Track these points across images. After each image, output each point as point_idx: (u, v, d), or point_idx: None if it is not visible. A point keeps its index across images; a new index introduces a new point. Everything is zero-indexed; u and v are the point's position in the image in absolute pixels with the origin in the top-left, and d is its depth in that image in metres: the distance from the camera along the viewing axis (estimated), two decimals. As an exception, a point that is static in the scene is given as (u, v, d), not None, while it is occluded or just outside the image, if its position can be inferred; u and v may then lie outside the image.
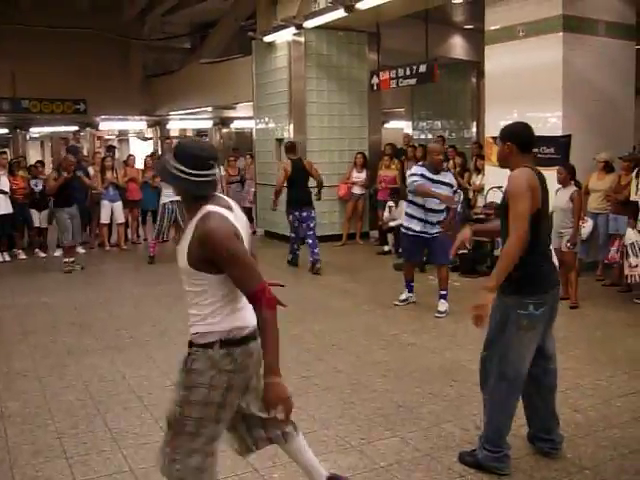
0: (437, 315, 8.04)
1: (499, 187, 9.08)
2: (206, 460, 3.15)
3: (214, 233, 2.92)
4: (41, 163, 14.10)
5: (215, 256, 2.94)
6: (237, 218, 3.11)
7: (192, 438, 3.11)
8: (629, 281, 8.29)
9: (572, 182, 8.22)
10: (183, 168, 3.00)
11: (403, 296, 8.58)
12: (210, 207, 3.01)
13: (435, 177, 8.06)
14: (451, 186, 8.19)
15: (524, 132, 4.16)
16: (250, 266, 3.02)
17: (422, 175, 8.03)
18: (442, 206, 8.09)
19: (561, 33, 9.74)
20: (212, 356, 3.11)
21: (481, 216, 10.57)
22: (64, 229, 10.94)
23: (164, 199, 11.51)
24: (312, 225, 10.72)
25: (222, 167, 14.41)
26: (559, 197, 8.21)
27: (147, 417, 5.03)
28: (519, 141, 4.08)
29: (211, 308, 3.14)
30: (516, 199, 3.87)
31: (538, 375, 4.20)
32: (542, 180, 4.02)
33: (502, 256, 3.90)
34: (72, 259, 11.05)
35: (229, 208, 3.09)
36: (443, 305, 8.14)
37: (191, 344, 3.25)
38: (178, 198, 10.85)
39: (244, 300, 3.12)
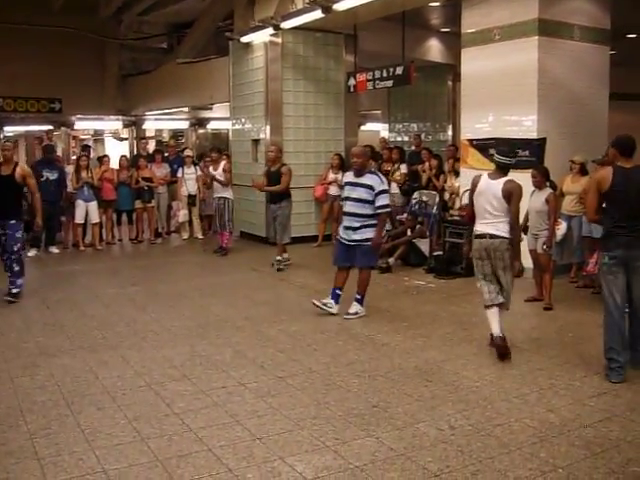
0: (345, 317, 7.88)
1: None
2: None
3: None
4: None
5: None
6: None
7: None
8: None
9: (547, 184, 8.28)
10: None
11: (352, 309, 8.03)
12: None
13: (356, 180, 7.89)
14: (370, 187, 7.76)
15: None
16: None
17: (345, 182, 8.06)
18: (365, 210, 7.79)
19: (537, 37, 9.81)
20: None
21: (457, 218, 10.62)
22: None
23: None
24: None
25: (198, 167, 14.38)
26: (534, 199, 8.28)
27: (120, 417, 4.98)
28: None
29: None
30: None
31: None
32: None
33: None
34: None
35: None
36: (353, 307, 7.96)
37: None
38: (225, 194, 11.44)
39: None
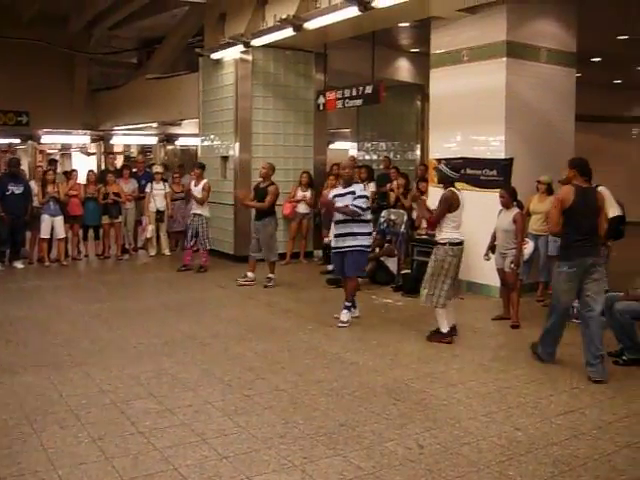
0: (339, 325, 8.30)
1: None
2: None
3: None
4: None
5: None
6: None
7: None
8: (571, 312, 8.39)
9: (514, 204, 8.37)
10: None
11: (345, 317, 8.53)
12: None
13: (344, 190, 8.53)
14: (353, 193, 8.36)
15: None
16: None
17: (335, 194, 8.65)
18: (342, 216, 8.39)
19: (505, 58, 9.94)
20: None
21: (424, 236, 10.65)
22: None
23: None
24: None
25: (167, 184, 14.32)
26: (501, 219, 8.36)
27: (84, 436, 4.89)
28: None
29: None
30: None
31: None
32: None
33: None
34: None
35: None
36: (343, 315, 8.40)
37: None
38: (199, 211, 11.53)
39: None
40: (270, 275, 10.92)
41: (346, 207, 8.31)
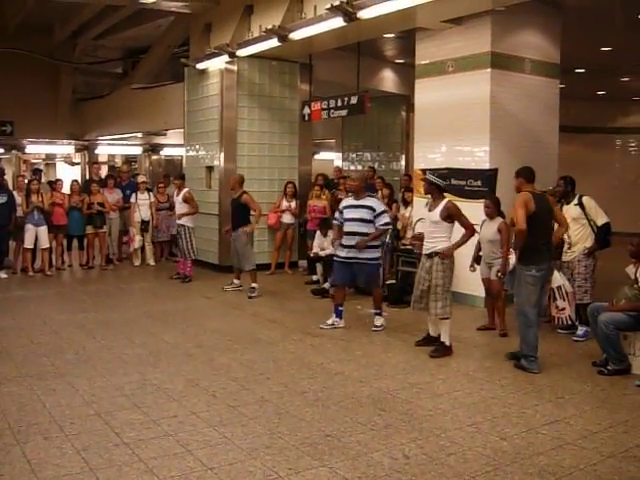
0: (374, 329, 8.77)
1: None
2: None
3: None
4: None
5: None
6: None
7: None
8: (556, 322, 8.43)
9: (498, 214, 8.41)
10: None
11: (329, 320, 8.89)
12: None
13: (357, 202, 8.71)
14: (371, 208, 8.59)
15: None
16: None
17: (345, 205, 8.82)
18: (366, 229, 8.55)
19: (489, 69, 10.01)
20: None
21: (409, 247, 10.67)
22: None
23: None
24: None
25: (152, 194, 14.29)
26: (485, 229, 8.41)
27: (68, 447, 4.85)
28: None
29: None
30: None
31: None
32: None
33: None
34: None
35: None
36: (377, 320, 8.87)
37: None
38: (182, 221, 11.58)
39: None
40: (253, 285, 10.93)
41: (376, 232, 8.62)
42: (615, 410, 5.86)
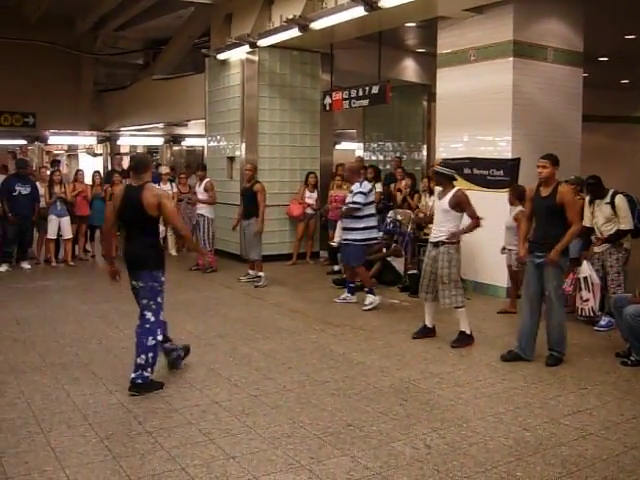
0: (363, 308, 9.27)
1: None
2: None
3: None
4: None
5: None
6: None
7: None
8: (579, 313, 8.34)
9: (520, 203, 8.36)
10: None
11: (342, 295, 9.82)
12: None
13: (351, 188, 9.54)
14: (351, 191, 9.39)
15: None
16: None
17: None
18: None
19: (511, 58, 9.92)
20: None
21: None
22: None
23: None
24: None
25: (174, 184, 14.34)
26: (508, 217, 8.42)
27: (92, 436, 4.90)
28: None
29: None
30: None
31: None
32: None
33: None
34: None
35: None
36: (367, 299, 9.38)
37: None
38: (201, 212, 11.92)
39: None
40: (260, 274, 11.03)
41: (344, 210, 9.45)
42: (638, 401, 5.81)
